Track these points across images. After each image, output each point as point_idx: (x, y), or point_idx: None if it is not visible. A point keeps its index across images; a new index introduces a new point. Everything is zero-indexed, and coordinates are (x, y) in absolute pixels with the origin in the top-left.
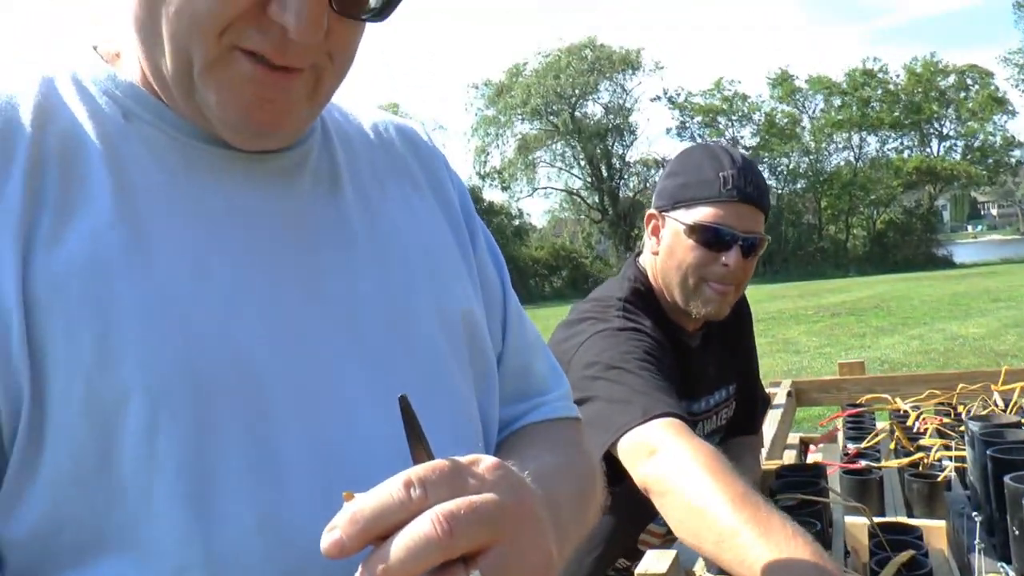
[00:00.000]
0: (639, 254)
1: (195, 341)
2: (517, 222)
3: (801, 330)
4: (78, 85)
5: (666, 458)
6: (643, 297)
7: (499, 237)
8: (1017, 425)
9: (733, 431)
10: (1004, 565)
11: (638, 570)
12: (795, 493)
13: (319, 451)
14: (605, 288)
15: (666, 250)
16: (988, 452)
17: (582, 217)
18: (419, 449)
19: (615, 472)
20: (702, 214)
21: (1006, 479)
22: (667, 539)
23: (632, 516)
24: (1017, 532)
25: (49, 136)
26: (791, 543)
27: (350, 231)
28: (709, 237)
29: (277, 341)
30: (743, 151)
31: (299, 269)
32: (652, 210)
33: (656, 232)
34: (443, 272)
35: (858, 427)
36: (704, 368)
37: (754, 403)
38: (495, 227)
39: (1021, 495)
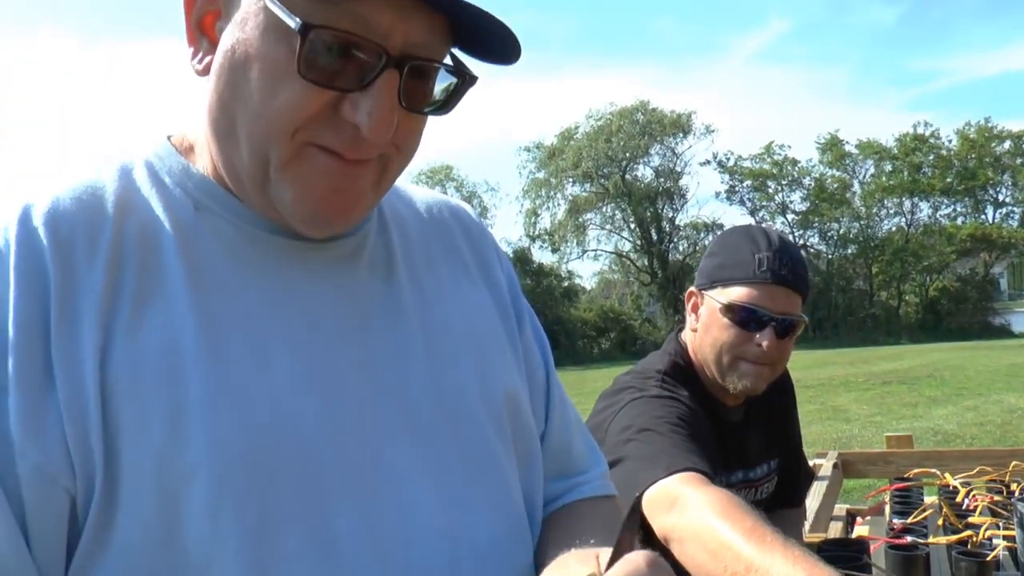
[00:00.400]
0: (681, 330)
1: (257, 426)
2: (566, 283)
3: (851, 398)
4: (153, 176)
5: (685, 506)
6: (682, 371)
7: (548, 298)
8: None
9: (776, 504)
10: None
11: None
12: (837, 568)
13: (373, 528)
14: (647, 361)
15: (703, 327)
16: None
17: (631, 279)
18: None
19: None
20: (737, 294)
21: None
22: None
23: None
24: None
25: (129, 225)
26: (816, 569)
27: (403, 314)
28: (744, 317)
29: (333, 422)
30: (786, 231)
31: (353, 350)
32: (692, 288)
33: (695, 309)
34: (490, 354)
35: (905, 502)
36: (745, 442)
37: (798, 476)
38: (544, 288)
39: None
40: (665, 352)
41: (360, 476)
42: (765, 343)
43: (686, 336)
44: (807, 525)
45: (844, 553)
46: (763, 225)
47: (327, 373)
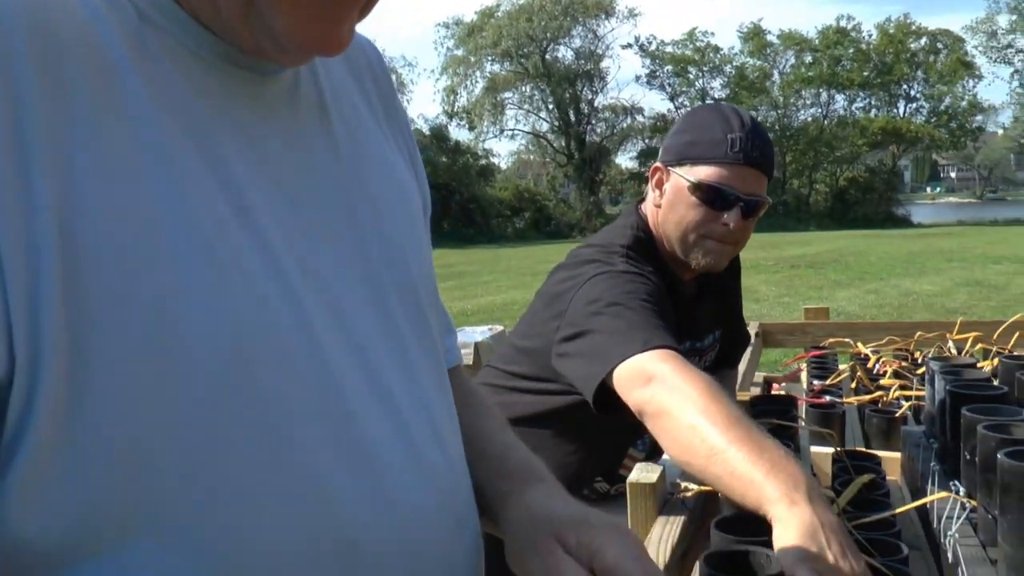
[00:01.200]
0: (640, 202)
1: (258, 298)
2: (483, 162)
3: (761, 279)
4: None
5: (663, 383)
6: (644, 245)
7: (464, 176)
8: (972, 366)
9: (717, 366)
10: (956, 483)
11: (629, 479)
12: (769, 420)
13: (380, 397)
14: (607, 234)
15: (668, 204)
16: (947, 387)
17: (548, 160)
18: None
19: (605, 401)
20: (706, 173)
21: (963, 410)
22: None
23: (613, 440)
24: (968, 457)
25: (66, 31)
26: (783, 460)
27: (343, 164)
28: (712, 196)
29: (316, 299)
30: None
31: (316, 212)
32: (658, 163)
33: (660, 185)
34: (412, 208)
35: (822, 367)
36: (696, 317)
37: (738, 343)
38: (461, 166)
39: (975, 424)
40: (626, 226)
41: (351, 353)
42: (732, 223)
43: (647, 209)
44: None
45: (774, 408)
46: (731, 104)
47: (302, 241)
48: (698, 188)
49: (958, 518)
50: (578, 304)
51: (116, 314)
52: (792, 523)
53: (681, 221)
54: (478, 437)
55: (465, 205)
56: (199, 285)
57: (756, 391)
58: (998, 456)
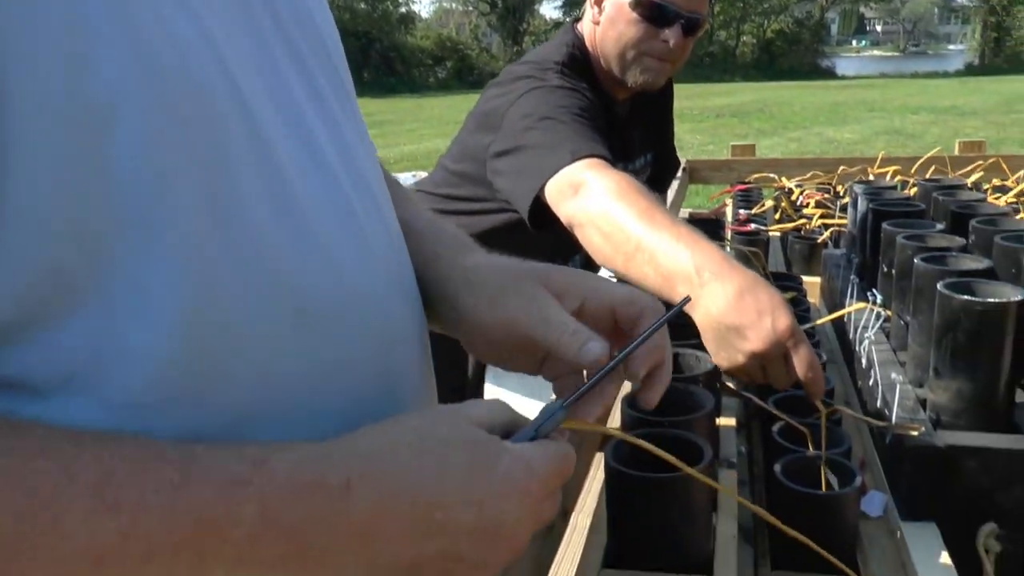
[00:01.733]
0: (577, 20)
1: (185, 41)
2: (403, 9)
3: (686, 128)
4: None
5: (587, 192)
6: (579, 62)
7: (384, 24)
8: (892, 188)
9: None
10: (873, 291)
11: None
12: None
13: (313, 156)
14: (541, 51)
15: (608, 20)
16: (870, 206)
17: (470, 9)
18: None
19: (540, 217)
20: None
21: (884, 224)
22: None
23: (553, 260)
24: (886, 270)
25: None
26: (701, 243)
27: None
28: (652, 12)
29: (245, 47)
30: None
31: None
32: None
33: (599, 2)
34: None
35: (747, 200)
36: (628, 137)
37: (668, 167)
38: (380, 13)
39: (895, 237)
40: (561, 43)
41: (287, 108)
42: (672, 40)
43: (584, 27)
44: None
45: (703, 228)
46: None
47: None
48: (639, 4)
49: (873, 327)
50: (511, 120)
51: (24, 65)
52: (718, 289)
53: (620, 38)
54: (406, 219)
55: (386, 54)
56: (113, 34)
57: None
58: (915, 261)
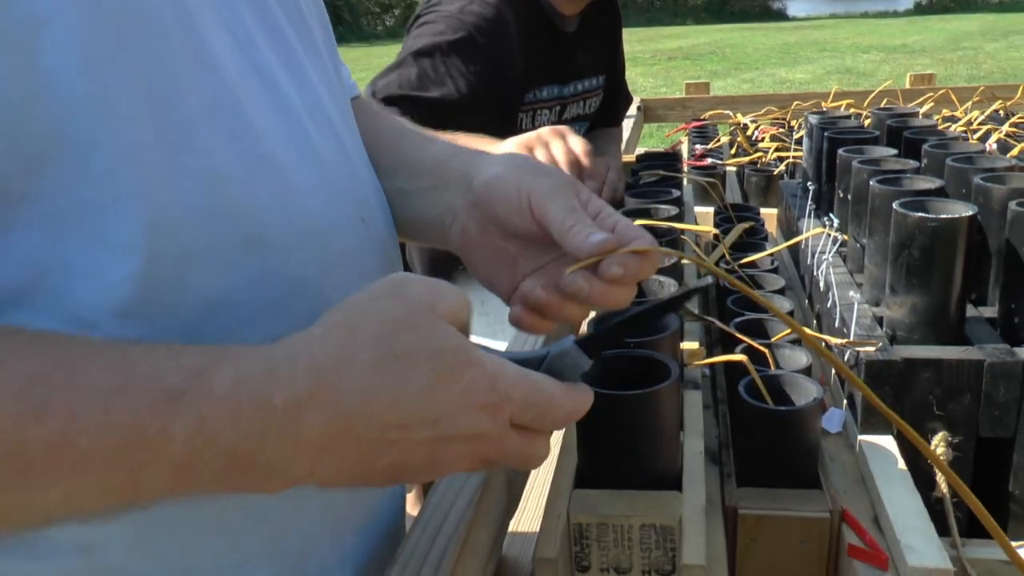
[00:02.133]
0: None
1: None
2: None
3: (638, 72)
4: None
5: None
6: None
7: None
8: (846, 118)
9: (597, 122)
10: (830, 215)
11: None
12: (656, 171)
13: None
14: None
15: None
16: (825, 134)
17: None
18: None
19: None
20: None
21: (840, 151)
22: None
23: None
24: (842, 195)
25: None
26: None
27: None
28: None
29: None
30: None
31: None
32: None
33: None
34: None
35: (703, 137)
36: (575, 54)
37: (619, 98)
38: None
39: (850, 162)
40: None
41: (244, 44)
42: None
43: None
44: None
45: (660, 162)
46: None
47: None
48: None
49: (830, 251)
50: (402, 52)
51: None
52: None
53: None
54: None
55: (333, 3)
56: None
57: None
58: (870, 184)
